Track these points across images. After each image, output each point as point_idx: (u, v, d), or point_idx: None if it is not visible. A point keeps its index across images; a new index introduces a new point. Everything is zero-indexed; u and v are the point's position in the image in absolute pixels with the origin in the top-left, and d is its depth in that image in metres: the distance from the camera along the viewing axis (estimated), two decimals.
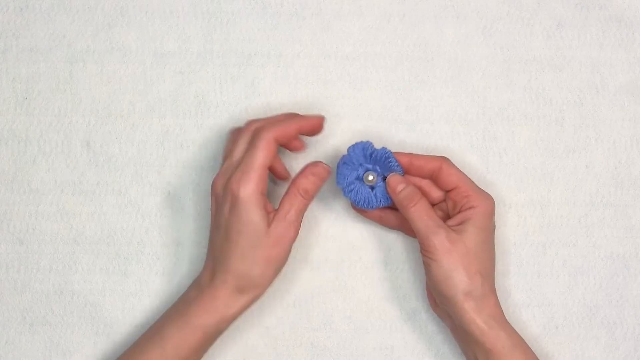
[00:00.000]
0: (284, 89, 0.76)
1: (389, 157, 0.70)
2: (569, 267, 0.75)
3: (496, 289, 0.69)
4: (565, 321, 0.75)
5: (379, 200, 0.71)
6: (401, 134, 0.76)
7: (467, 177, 0.71)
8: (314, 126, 0.71)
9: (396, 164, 0.70)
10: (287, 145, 0.71)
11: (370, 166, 0.71)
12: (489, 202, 0.70)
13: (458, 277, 0.67)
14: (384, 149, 0.70)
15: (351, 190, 0.71)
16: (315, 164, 0.70)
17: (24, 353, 0.74)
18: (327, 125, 0.75)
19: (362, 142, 0.71)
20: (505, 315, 0.69)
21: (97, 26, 0.76)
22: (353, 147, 0.71)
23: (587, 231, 0.75)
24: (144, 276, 0.75)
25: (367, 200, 0.71)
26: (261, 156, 0.67)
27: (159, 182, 0.75)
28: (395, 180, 0.70)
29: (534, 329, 0.74)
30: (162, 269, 0.75)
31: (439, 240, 0.67)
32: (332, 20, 0.76)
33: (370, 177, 0.70)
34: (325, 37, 0.76)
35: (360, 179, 0.71)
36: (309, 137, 0.74)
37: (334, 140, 0.75)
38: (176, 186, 0.75)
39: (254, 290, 0.68)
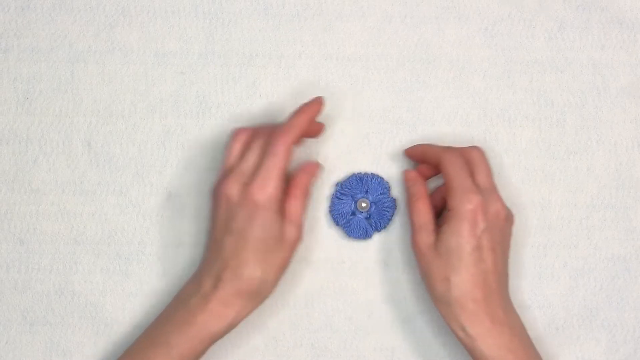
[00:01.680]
0: (285, 89, 0.76)
1: (381, 183, 0.73)
2: (569, 269, 0.75)
3: None
4: (565, 323, 0.75)
5: (376, 227, 0.73)
6: (402, 135, 0.75)
7: (460, 173, 0.68)
8: (317, 111, 0.70)
9: (387, 188, 0.73)
10: (305, 135, 0.72)
11: (361, 194, 0.73)
12: (463, 208, 0.67)
13: (428, 281, 0.68)
14: (375, 176, 0.73)
15: (349, 226, 0.73)
16: (307, 162, 0.71)
17: (24, 353, 0.74)
18: (327, 127, 0.75)
19: (354, 174, 0.74)
20: None
21: (99, 26, 0.76)
22: (348, 180, 0.73)
23: (588, 233, 0.75)
24: (144, 276, 0.75)
25: (364, 232, 0.73)
26: (281, 162, 0.67)
27: (160, 182, 0.75)
28: (409, 176, 0.72)
29: (535, 331, 0.74)
30: (162, 270, 0.75)
31: (417, 242, 0.69)
32: (333, 21, 0.76)
33: (364, 204, 0.72)
34: (326, 38, 0.76)
35: (354, 209, 0.73)
36: (309, 139, 0.74)
37: (334, 141, 0.75)
38: (177, 186, 0.75)
39: (266, 296, 0.68)
